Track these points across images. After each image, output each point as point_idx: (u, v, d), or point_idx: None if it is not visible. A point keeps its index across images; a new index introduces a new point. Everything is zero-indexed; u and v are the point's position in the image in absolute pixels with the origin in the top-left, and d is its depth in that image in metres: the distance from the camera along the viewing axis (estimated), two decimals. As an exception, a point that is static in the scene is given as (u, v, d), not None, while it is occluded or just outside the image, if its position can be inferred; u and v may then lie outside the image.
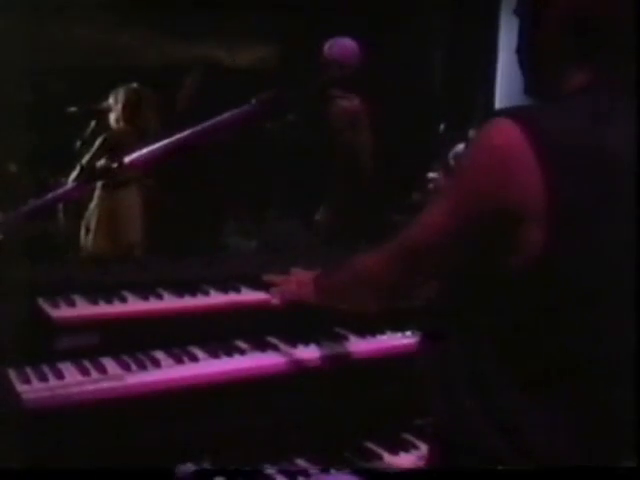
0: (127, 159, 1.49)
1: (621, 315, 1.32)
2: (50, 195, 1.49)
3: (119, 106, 4.27)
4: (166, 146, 1.50)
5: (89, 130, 4.34)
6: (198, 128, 1.49)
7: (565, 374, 1.33)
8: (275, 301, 1.99)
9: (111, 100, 4.31)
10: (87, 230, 4.27)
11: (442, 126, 6.07)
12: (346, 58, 1.57)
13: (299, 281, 1.94)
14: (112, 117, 4.27)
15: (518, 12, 1.46)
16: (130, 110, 4.23)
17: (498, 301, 1.35)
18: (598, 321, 1.31)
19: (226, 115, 1.54)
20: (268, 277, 2.06)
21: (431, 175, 5.72)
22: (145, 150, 1.49)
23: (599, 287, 1.30)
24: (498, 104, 5.90)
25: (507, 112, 1.30)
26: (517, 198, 1.26)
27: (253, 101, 1.58)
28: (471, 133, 4.56)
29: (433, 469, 1.52)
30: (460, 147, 4.90)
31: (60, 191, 1.50)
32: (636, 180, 1.29)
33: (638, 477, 1.32)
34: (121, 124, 4.23)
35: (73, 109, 4.22)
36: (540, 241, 1.25)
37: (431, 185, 5.54)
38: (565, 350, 1.32)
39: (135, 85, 4.33)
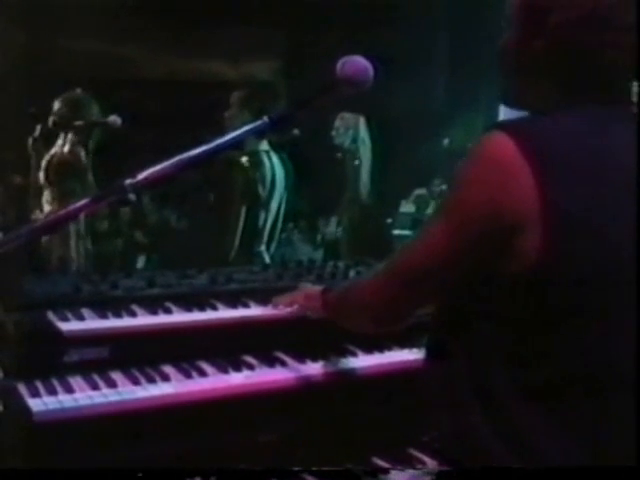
0: (140, 175, 1.48)
1: (623, 320, 1.33)
2: (63, 211, 1.48)
3: (61, 109, 4.32)
4: (178, 162, 1.50)
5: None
6: (213, 144, 1.50)
7: (571, 384, 1.34)
8: (281, 310, 2.01)
9: (55, 104, 4.39)
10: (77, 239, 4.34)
11: (446, 141, 6.08)
12: (359, 77, 1.55)
13: (306, 294, 1.96)
14: (51, 120, 4.36)
15: (505, 27, 1.48)
16: (70, 114, 4.31)
17: (500, 313, 1.36)
18: (601, 328, 1.33)
19: (240, 131, 1.55)
20: (277, 299, 2.08)
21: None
22: (158, 166, 1.49)
23: (600, 294, 1.31)
24: (502, 117, 5.90)
25: (501, 126, 1.33)
26: (514, 209, 1.28)
27: (265, 118, 1.58)
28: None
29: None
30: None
31: (72, 207, 1.50)
32: (634, 187, 1.31)
33: (638, 477, 1.33)
34: (59, 127, 4.30)
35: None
36: (539, 251, 1.27)
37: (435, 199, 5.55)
38: (569, 359, 1.33)
39: (79, 91, 4.41)
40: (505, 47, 1.47)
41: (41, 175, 4.35)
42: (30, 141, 4.46)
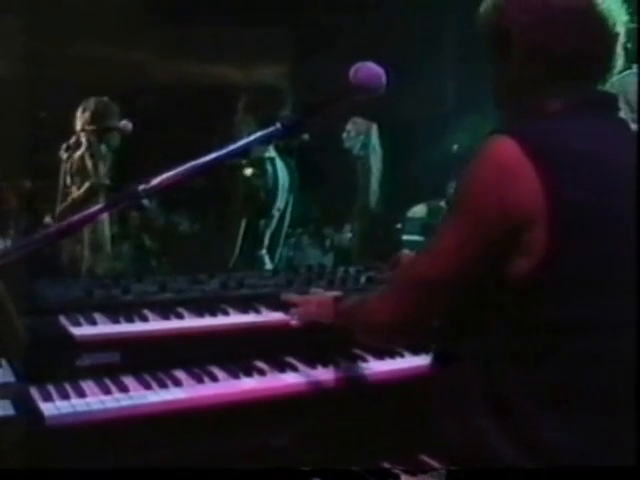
0: (153, 181, 1.49)
1: (629, 318, 1.34)
2: (77, 216, 1.49)
3: (87, 114, 4.53)
4: (191, 168, 1.51)
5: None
6: (225, 150, 1.50)
7: (580, 385, 1.35)
8: (294, 322, 2.00)
9: (81, 109, 4.53)
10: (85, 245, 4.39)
11: (455, 147, 6.09)
12: (372, 84, 1.56)
13: (319, 302, 1.96)
14: (79, 123, 4.48)
15: (489, 47, 1.55)
16: (97, 119, 4.47)
17: (511, 317, 1.37)
18: (608, 327, 1.35)
19: (252, 137, 1.55)
20: (287, 296, 2.08)
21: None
22: (172, 172, 1.49)
23: (607, 292, 1.34)
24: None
25: (505, 130, 1.37)
26: (520, 208, 1.31)
27: (277, 124, 1.59)
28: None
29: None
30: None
31: (87, 212, 1.51)
32: (634, 185, 1.35)
33: (638, 477, 1.33)
34: (88, 130, 4.45)
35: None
36: (546, 246, 1.30)
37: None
38: (579, 360, 1.34)
39: (105, 98, 4.61)
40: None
41: (63, 180, 4.43)
42: (64, 147, 4.53)
